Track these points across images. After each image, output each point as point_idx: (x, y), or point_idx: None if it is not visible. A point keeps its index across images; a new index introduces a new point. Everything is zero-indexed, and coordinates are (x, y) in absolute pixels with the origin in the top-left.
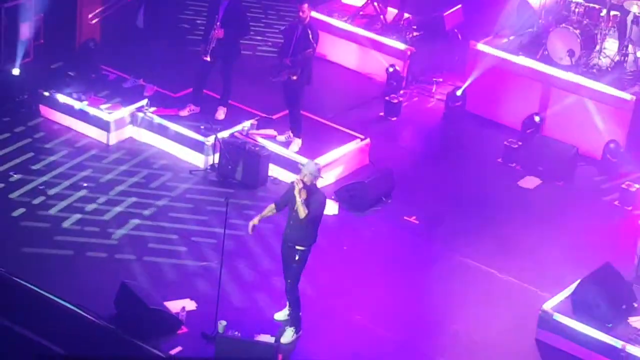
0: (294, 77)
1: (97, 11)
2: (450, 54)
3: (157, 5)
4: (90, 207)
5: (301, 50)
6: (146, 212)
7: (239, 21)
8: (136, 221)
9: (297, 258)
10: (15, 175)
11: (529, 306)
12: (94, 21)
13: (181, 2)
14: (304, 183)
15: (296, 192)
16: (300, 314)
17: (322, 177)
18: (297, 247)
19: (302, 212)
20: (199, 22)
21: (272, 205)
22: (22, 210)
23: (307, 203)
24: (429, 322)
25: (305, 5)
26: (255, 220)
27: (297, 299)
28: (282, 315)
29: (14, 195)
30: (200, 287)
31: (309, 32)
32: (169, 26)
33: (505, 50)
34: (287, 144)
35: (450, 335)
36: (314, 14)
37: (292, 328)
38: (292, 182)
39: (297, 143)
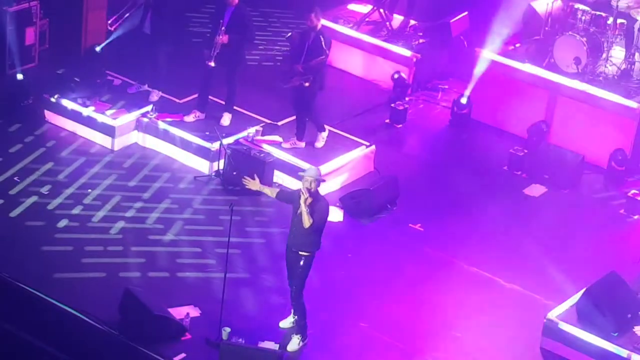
0: (306, 84)
1: (114, 18)
2: (456, 61)
3: (164, 10)
4: (95, 213)
5: (313, 57)
6: (151, 218)
7: (244, 27)
8: (140, 227)
9: (301, 264)
10: (16, 179)
11: (534, 315)
12: (113, 27)
13: (188, 7)
14: (309, 191)
15: (302, 202)
16: (306, 321)
17: (324, 181)
18: (301, 253)
19: (307, 221)
20: (205, 28)
21: (276, 190)
22: (25, 214)
23: (311, 212)
24: (434, 330)
25: (312, 15)
26: (255, 187)
27: (303, 307)
28: (287, 322)
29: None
30: (204, 294)
31: (322, 39)
32: (175, 31)
33: (511, 58)
34: (313, 142)
35: (454, 343)
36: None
37: (298, 336)
38: (298, 190)
39: (322, 138)
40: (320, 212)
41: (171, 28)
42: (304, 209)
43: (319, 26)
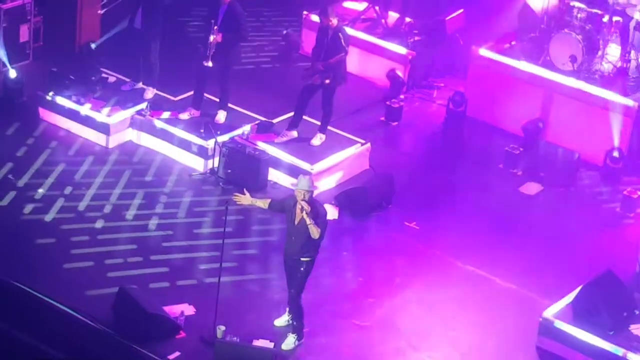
0: (327, 81)
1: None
2: (452, 58)
3: (155, 6)
4: (90, 211)
5: (333, 55)
6: (145, 215)
7: (237, 25)
8: (134, 225)
9: (302, 269)
10: (11, 177)
11: (530, 313)
12: (100, 11)
13: (179, 3)
14: (307, 203)
15: (305, 217)
16: (303, 322)
17: (316, 187)
18: (302, 259)
19: (316, 232)
20: (198, 24)
21: (268, 201)
22: (27, 210)
23: (314, 221)
24: (429, 328)
25: (328, 13)
26: (246, 202)
27: (301, 309)
28: (281, 321)
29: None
30: (199, 292)
31: (340, 36)
32: (166, 27)
33: (507, 55)
34: (309, 138)
35: (450, 341)
36: (314, 17)
37: (294, 335)
38: (289, 198)
39: (320, 137)
40: (322, 218)
41: (162, 24)
42: (308, 222)
43: (336, 24)
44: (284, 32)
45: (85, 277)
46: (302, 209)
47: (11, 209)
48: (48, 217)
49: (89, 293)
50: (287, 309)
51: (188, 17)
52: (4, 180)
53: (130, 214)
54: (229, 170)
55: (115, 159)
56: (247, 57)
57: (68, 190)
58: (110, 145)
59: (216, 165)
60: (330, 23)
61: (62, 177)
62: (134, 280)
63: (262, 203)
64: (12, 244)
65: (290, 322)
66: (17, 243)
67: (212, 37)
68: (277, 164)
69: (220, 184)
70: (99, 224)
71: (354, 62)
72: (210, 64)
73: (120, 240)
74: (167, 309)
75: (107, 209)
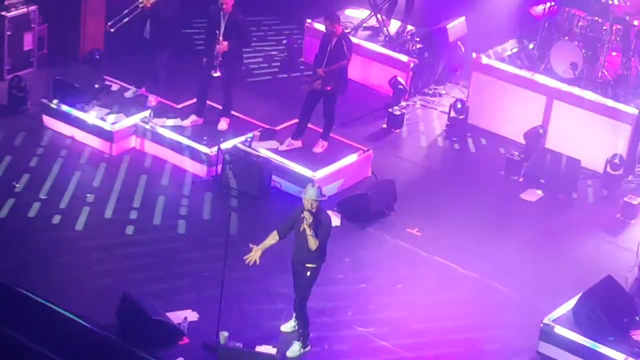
0: (329, 88)
1: (115, 19)
2: (453, 66)
3: (163, 16)
4: (94, 216)
5: (335, 62)
6: (149, 223)
7: (240, 32)
8: (138, 232)
9: (307, 275)
10: (17, 185)
11: (531, 319)
12: (112, 30)
13: (186, 13)
14: (311, 213)
15: (306, 226)
16: (308, 330)
17: (325, 197)
18: (308, 265)
19: (314, 244)
20: (200, 35)
21: (274, 233)
22: (28, 219)
23: (315, 231)
24: (431, 334)
25: (333, 20)
26: (258, 253)
27: (306, 316)
28: (288, 327)
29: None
30: (202, 298)
31: (344, 43)
32: (173, 37)
33: (508, 63)
34: (310, 147)
35: (451, 347)
36: (317, 25)
37: (299, 343)
38: (297, 210)
39: (322, 145)
40: (324, 229)
41: (169, 34)
42: (308, 232)
43: (340, 31)
44: (284, 41)
45: (90, 286)
46: (304, 218)
47: (27, 220)
48: (65, 232)
49: (94, 300)
50: (294, 315)
51: (191, 27)
52: (20, 194)
53: (133, 221)
54: (232, 177)
55: (119, 167)
56: (250, 65)
57: (78, 201)
58: (114, 153)
59: (219, 172)
60: (335, 30)
61: (69, 187)
62: (135, 287)
63: (272, 239)
64: (28, 255)
65: (296, 328)
66: (35, 254)
67: (217, 47)
68: (279, 170)
69: (224, 190)
70: (108, 226)
71: (357, 69)
72: (218, 73)
73: (120, 244)
74: (170, 314)
75: (109, 213)
